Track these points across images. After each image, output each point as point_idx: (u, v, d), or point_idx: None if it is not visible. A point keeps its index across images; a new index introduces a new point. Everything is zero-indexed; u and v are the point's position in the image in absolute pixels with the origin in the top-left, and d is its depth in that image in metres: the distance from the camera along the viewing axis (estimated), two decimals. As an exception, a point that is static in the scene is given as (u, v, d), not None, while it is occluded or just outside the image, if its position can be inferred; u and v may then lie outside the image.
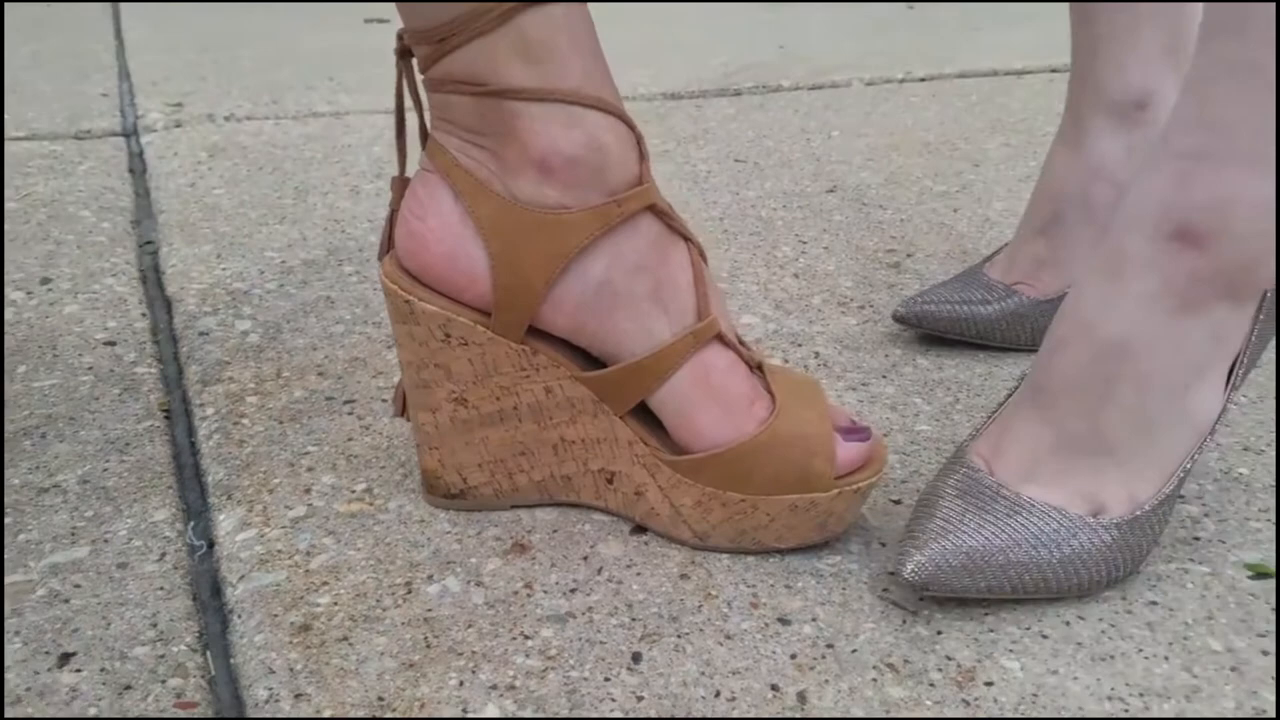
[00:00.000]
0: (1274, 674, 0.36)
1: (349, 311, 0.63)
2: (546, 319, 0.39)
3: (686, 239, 0.40)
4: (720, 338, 0.40)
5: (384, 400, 0.53)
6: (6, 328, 0.61)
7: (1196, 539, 0.44)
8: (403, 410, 0.43)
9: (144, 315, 0.63)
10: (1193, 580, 0.41)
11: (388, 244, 0.41)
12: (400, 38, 0.38)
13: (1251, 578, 0.41)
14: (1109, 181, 0.57)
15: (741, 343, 0.41)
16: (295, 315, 0.62)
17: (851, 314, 0.64)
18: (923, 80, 1.33)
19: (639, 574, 0.41)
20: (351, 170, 0.90)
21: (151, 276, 0.69)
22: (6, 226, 0.76)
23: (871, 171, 0.94)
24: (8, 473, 0.47)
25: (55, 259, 0.71)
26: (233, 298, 0.64)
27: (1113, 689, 0.36)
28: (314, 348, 0.58)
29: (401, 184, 0.41)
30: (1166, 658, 0.37)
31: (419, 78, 0.39)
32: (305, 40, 1.49)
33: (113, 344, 0.59)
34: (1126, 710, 0.35)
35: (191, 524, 0.44)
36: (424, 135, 0.40)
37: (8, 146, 0.96)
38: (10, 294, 0.65)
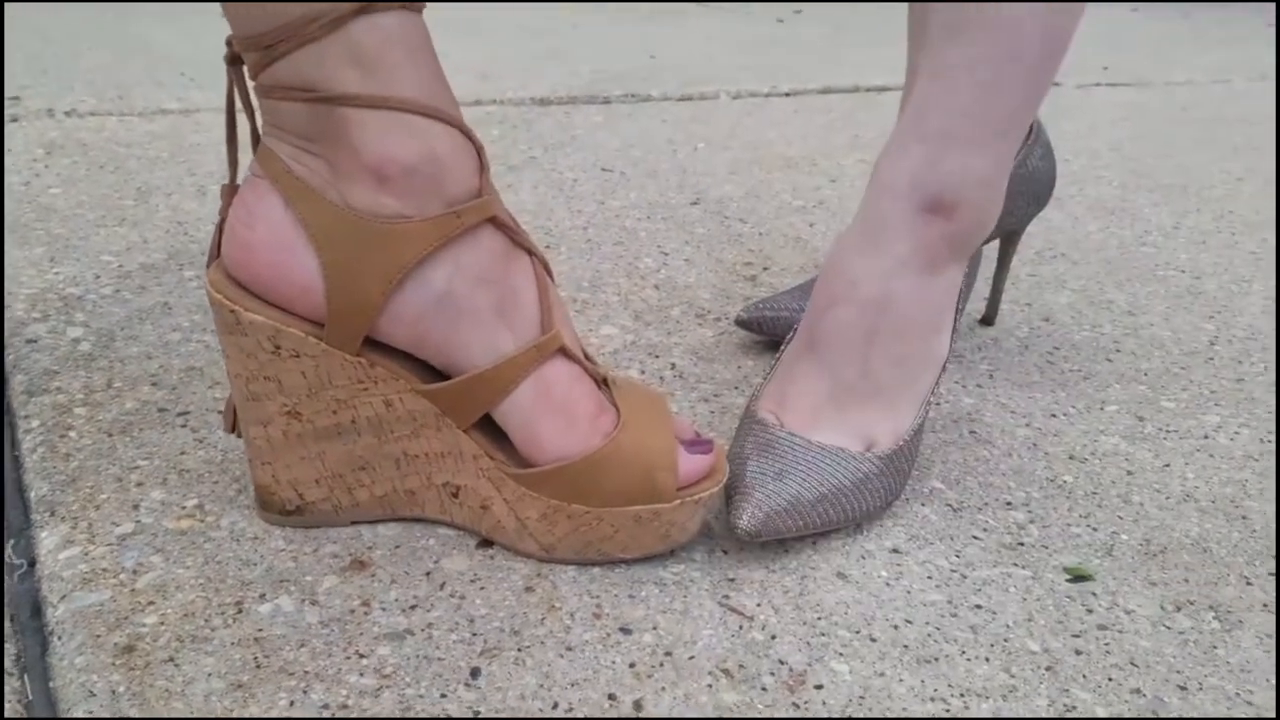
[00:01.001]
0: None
1: (187, 319, 0.60)
2: (385, 331, 0.39)
3: (530, 252, 0.40)
4: (564, 351, 0.40)
5: (220, 412, 0.51)
6: None
7: (1021, 544, 0.47)
8: (234, 426, 0.42)
9: (-38, 321, 0.59)
10: (1015, 584, 0.44)
11: (215, 251, 0.40)
12: (229, 44, 0.37)
13: (1069, 580, 0.44)
14: None
15: (588, 357, 0.42)
16: (130, 322, 0.59)
17: (708, 326, 0.66)
18: (787, 95, 1.37)
19: (483, 588, 0.41)
20: (198, 170, 0.87)
21: (-26, 280, 0.64)
22: None
23: (734, 185, 0.96)
24: None
25: None
26: (65, 303, 0.61)
27: (935, 690, 0.38)
28: (149, 356, 0.56)
29: (231, 191, 0.40)
30: (987, 659, 0.39)
31: (250, 84, 0.38)
32: (157, 35, 1.42)
33: (-76, 353, 0.55)
34: (948, 710, 0.37)
35: (12, 542, 0.42)
36: (255, 141, 0.39)
37: None
38: None
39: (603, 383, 0.42)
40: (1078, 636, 0.41)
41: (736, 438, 0.47)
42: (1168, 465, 0.54)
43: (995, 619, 0.42)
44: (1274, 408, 0.61)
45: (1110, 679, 0.39)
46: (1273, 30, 2.11)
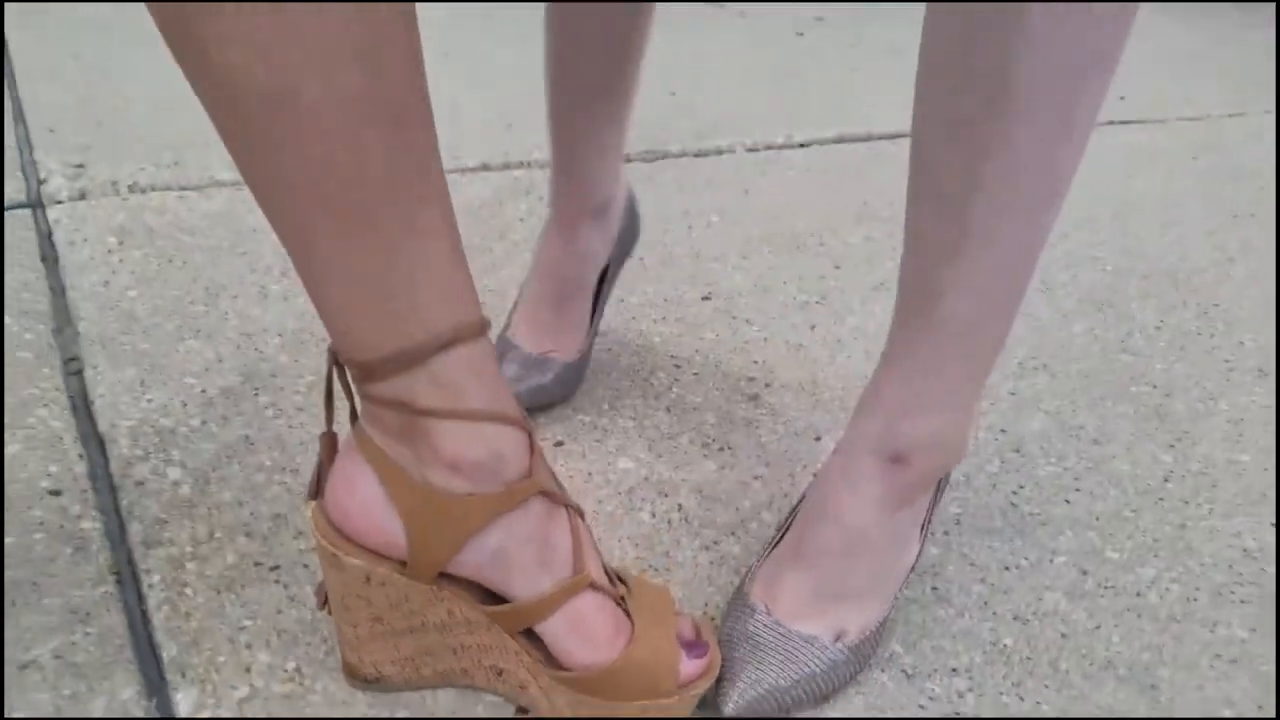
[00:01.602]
0: None
1: (268, 456, 0.70)
2: (451, 570, 0.49)
3: (567, 506, 0.50)
4: (592, 584, 0.50)
5: (305, 565, 0.62)
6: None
7: (958, 714, 0.57)
8: (324, 604, 0.52)
9: (81, 457, 0.69)
10: (948, 741, 0.54)
11: (315, 488, 0.50)
12: (331, 351, 0.46)
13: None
14: (594, 264, 0.78)
15: (612, 581, 0.52)
16: (219, 460, 0.70)
17: (712, 457, 0.76)
18: (801, 146, 1.44)
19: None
20: (257, 266, 0.96)
21: (81, 405, 0.74)
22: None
23: (744, 274, 1.05)
24: (7, 629, 0.54)
25: (-16, 384, 0.75)
26: (161, 439, 0.71)
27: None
28: (240, 503, 0.66)
29: (328, 439, 0.49)
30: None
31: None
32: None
33: (57, 493, 0.66)
34: None
35: (154, 699, 0.53)
36: (354, 417, 0.49)
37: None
38: (-56, 428, 0.70)
39: (620, 600, 0.52)
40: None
41: (730, 615, 0.57)
42: (1098, 627, 0.64)
43: (931, 789, 0.52)
44: (1208, 556, 0.71)
45: None
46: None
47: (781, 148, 1.43)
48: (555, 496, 0.49)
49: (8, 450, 0.69)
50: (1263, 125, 1.66)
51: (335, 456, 0.49)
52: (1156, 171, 1.44)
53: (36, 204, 1.04)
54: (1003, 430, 0.83)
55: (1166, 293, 1.09)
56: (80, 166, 1.12)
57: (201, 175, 1.14)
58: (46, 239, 0.98)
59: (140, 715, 0.51)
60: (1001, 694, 0.58)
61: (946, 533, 0.71)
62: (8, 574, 0.59)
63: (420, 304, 0.43)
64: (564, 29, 0.69)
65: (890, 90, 1.73)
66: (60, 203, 1.05)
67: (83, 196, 1.06)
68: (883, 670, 0.59)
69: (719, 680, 0.54)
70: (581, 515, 0.51)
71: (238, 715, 0.51)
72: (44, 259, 0.94)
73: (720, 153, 1.39)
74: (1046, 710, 0.57)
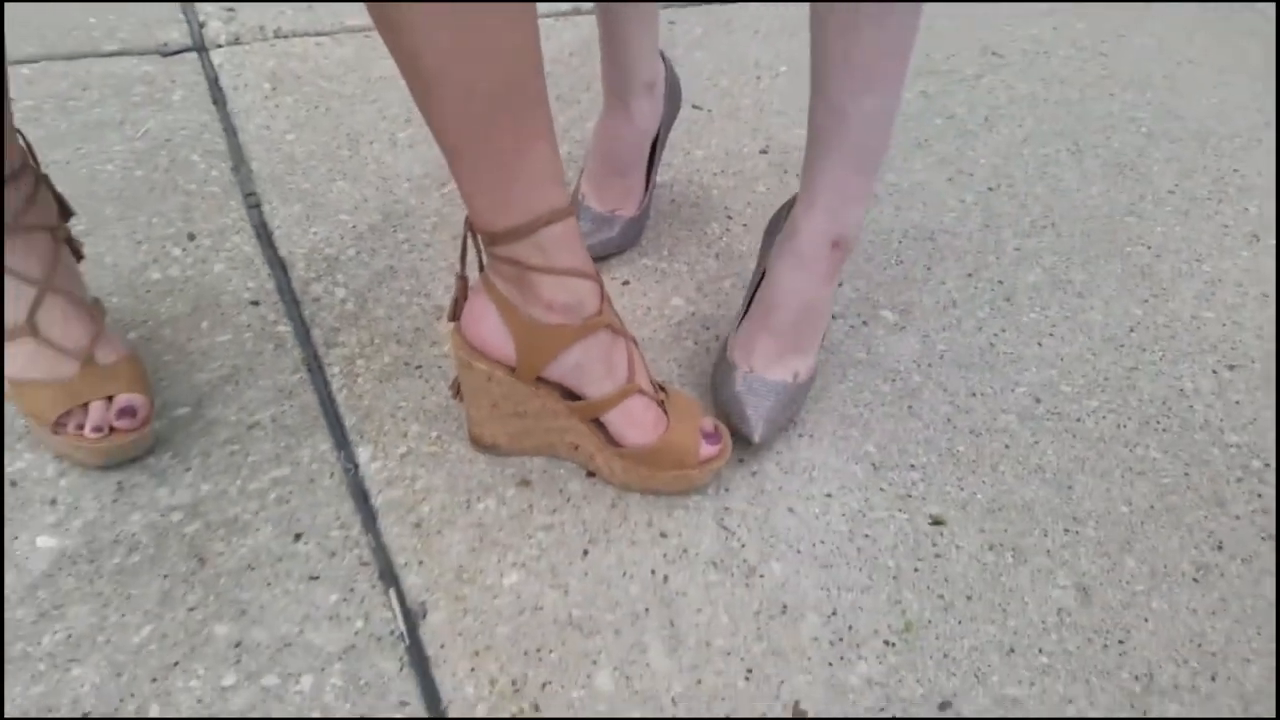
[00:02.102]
0: None
1: (407, 283, 0.92)
2: (545, 376, 0.70)
3: (626, 337, 0.70)
4: (640, 391, 0.71)
5: (440, 366, 0.84)
6: (174, 285, 0.90)
7: (909, 496, 0.78)
8: (456, 394, 0.75)
9: (270, 276, 0.92)
10: (894, 523, 0.75)
11: (453, 314, 0.71)
12: (467, 220, 0.66)
13: (930, 524, 0.76)
14: (646, 136, 0.94)
15: (655, 389, 0.73)
16: (373, 284, 0.92)
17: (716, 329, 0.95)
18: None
19: (590, 504, 0.74)
20: (387, 114, 1.14)
21: (264, 234, 0.97)
22: (139, 173, 1.03)
23: (801, 129, 1.19)
24: (234, 403, 0.79)
25: (191, 212, 0.98)
26: (327, 265, 0.93)
27: (824, 584, 0.71)
28: (389, 318, 0.88)
29: (462, 281, 0.70)
30: (859, 568, 0.72)
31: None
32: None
33: (257, 303, 0.89)
34: (826, 595, 0.70)
35: (342, 452, 0.77)
36: (480, 266, 0.69)
37: (107, 63, 1.19)
38: (170, 250, 0.94)
39: (659, 403, 0.73)
40: (920, 560, 0.73)
41: (719, 374, 0.81)
42: (1037, 442, 0.83)
43: (874, 544, 0.74)
44: (1150, 397, 0.88)
45: (929, 588, 0.71)
46: None
47: (856, -7, 1.51)
48: (617, 329, 0.70)
49: (215, 269, 0.92)
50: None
51: (467, 293, 0.70)
52: (1211, 42, 1.48)
53: (201, 48, 1.24)
54: (1000, 281, 0.99)
55: (1192, 156, 1.19)
56: (231, 10, 1.30)
57: (334, 21, 1.31)
58: (214, 83, 1.18)
59: (335, 465, 0.76)
60: (945, 485, 0.79)
61: (930, 365, 0.89)
62: (229, 362, 0.83)
63: (528, 197, 0.62)
64: None
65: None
66: (220, 46, 1.24)
67: (237, 41, 1.25)
68: (857, 463, 0.79)
69: (735, 425, 0.77)
70: (636, 343, 0.72)
71: (399, 467, 0.76)
72: (215, 102, 1.14)
73: (797, -1, 1.48)
74: (979, 498, 0.78)
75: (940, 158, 1.17)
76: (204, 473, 0.74)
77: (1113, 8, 1.56)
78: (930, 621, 0.69)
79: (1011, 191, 1.12)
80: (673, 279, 0.96)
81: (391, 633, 0.66)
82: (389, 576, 0.69)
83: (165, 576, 0.68)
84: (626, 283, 0.95)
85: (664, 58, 0.96)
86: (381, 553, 0.71)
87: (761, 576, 0.71)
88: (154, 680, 0.62)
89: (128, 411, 0.71)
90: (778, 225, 0.84)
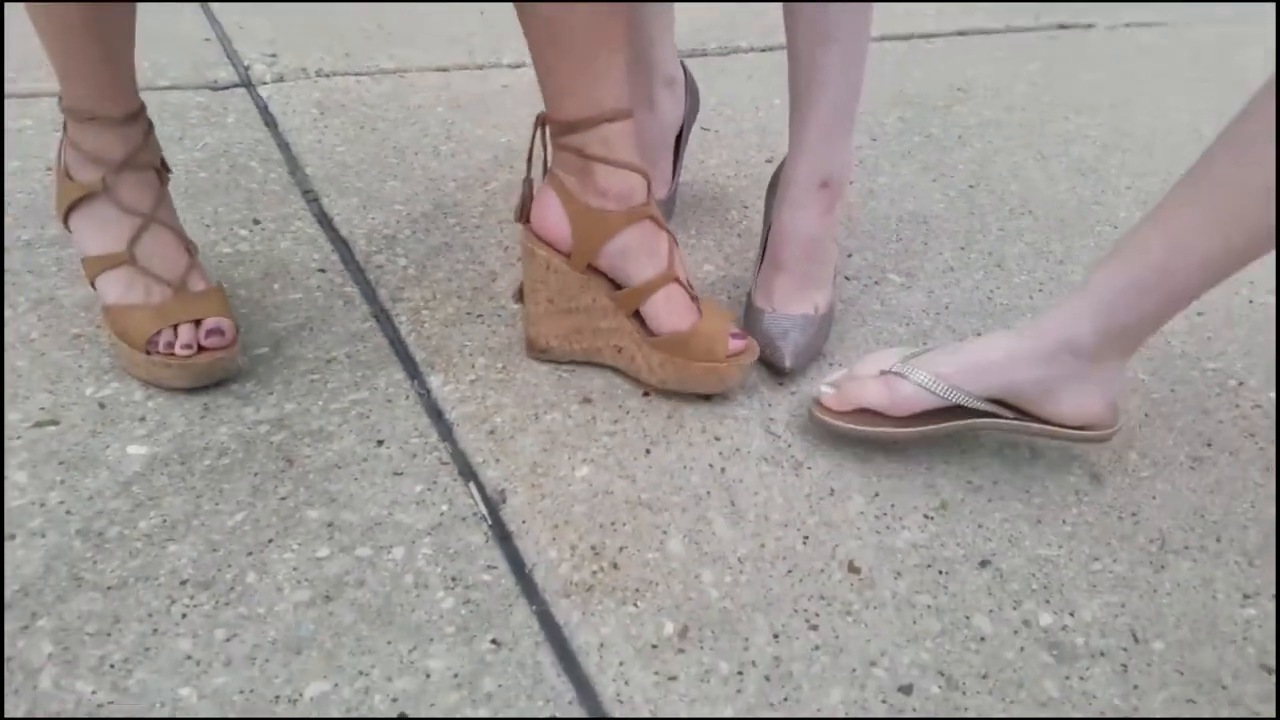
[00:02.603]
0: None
1: (462, 255, 1.01)
2: (597, 262, 0.80)
3: (667, 231, 0.80)
4: (677, 280, 0.80)
5: (500, 315, 0.92)
6: (244, 257, 0.98)
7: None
8: (518, 298, 0.84)
9: (334, 249, 1.00)
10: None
11: (521, 214, 0.81)
12: (540, 115, 0.77)
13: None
14: (671, 128, 1.06)
15: (690, 285, 0.82)
16: (430, 256, 1.00)
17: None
18: (852, 46, 1.68)
19: (648, 415, 0.82)
20: (429, 132, 1.26)
21: (324, 220, 1.06)
22: (202, 174, 1.12)
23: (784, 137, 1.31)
24: (310, 344, 0.86)
25: (254, 203, 1.07)
26: (386, 241, 1.02)
27: (847, 471, 0.78)
28: (449, 279, 0.97)
29: (528, 183, 0.80)
30: (868, 459, 0.80)
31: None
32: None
33: (324, 270, 0.97)
34: (839, 466, 0.77)
35: (415, 381, 0.84)
36: (545, 169, 0.80)
37: (162, 95, 1.29)
38: (237, 231, 1.02)
39: (695, 299, 0.82)
40: (948, 455, 0.81)
41: (750, 318, 0.90)
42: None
43: (905, 446, 0.82)
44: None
45: (959, 475, 0.79)
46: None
47: (835, 46, 1.67)
48: (660, 222, 0.80)
49: (281, 245, 1.00)
50: (1257, 35, 1.85)
51: (533, 194, 0.80)
52: (1150, 74, 1.65)
53: (248, 84, 1.35)
54: (989, 253, 1.10)
55: (1142, 162, 1.33)
56: (274, 55, 1.43)
57: (369, 64, 1.44)
58: (264, 110, 1.28)
59: (409, 389, 0.83)
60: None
61: (938, 313, 0.99)
62: (303, 314, 0.90)
63: (602, 94, 0.74)
64: None
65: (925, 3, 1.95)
66: (266, 84, 1.35)
67: (281, 79, 1.37)
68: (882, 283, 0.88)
69: (772, 355, 0.85)
70: (676, 241, 0.82)
71: (469, 389, 0.83)
72: (266, 124, 1.25)
73: (783, 48, 1.64)
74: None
75: (923, 164, 1.30)
76: (287, 395, 0.81)
77: (1062, 51, 1.74)
78: (963, 500, 0.76)
79: (989, 188, 1.25)
80: (702, 251, 1.06)
81: (475, 514, 0.72)
82: (468, 473, 0.75)
83: (255, 474, 0.74)
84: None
85: (683, 64, 1.08)
86: (460, 455, 0.77)
87: (809, 468, 0.78)
88: (249, 554, 0.67)
89: (216, 331, 0.78)
90: (776, 182, 0.95)
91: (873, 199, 1.20)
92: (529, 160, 0.80)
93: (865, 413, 0.78)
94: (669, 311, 0.81)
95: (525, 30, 0.74)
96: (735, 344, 0.82)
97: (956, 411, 0.77)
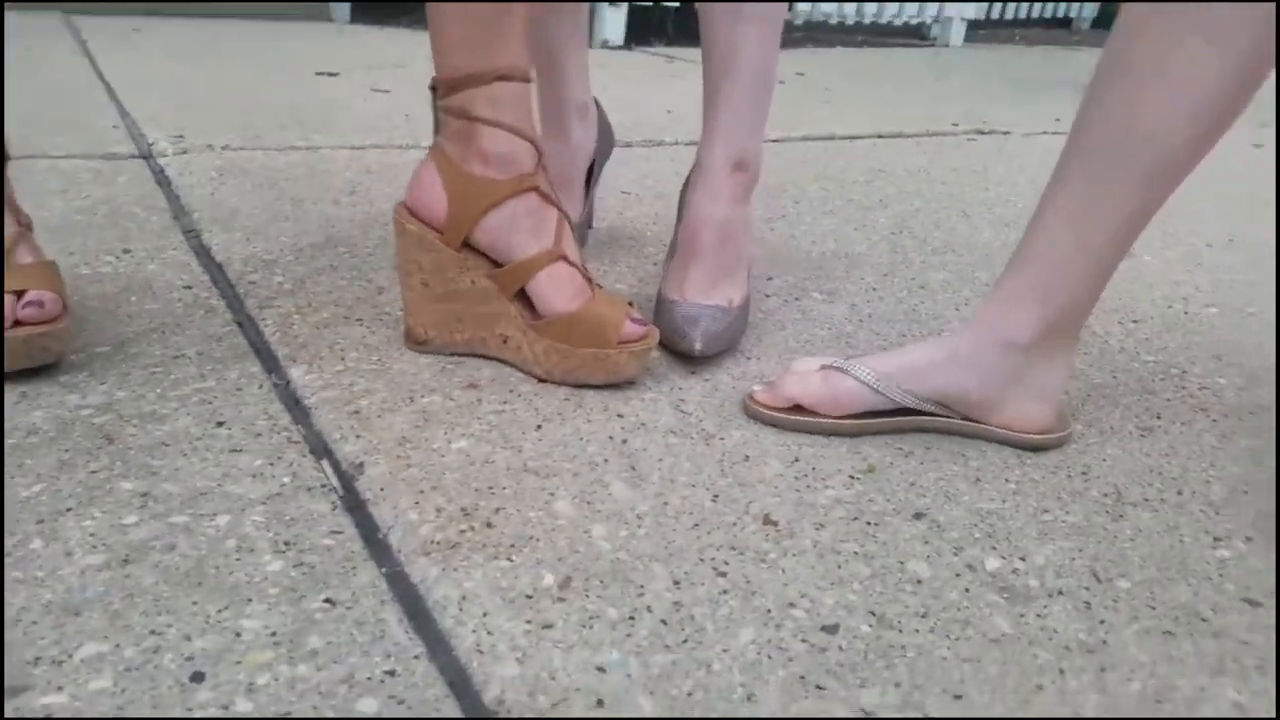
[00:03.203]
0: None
1: (346, 275, 0.94)
2: (475, 238, 0.72)
3: (556, 206, 0.73)
4: (565, 258, 0.73)
5: (382, 319, 0.84)
6: (104, 277, 0.89)
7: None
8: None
9: (204, 271, 0.92)
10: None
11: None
12: (433, 80, 0.71)
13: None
14: (583, 156, 1.02)
15: (583, 269, 0.75)
16: (311, 275, 0.93)
17: (683, 284, 0.98)
18: (775, 141, 1.71)
19: (542, 397, 0.73)
20: (333, 187, 1.21)
21: (202, 250, 0.98)
22: (78, 217, 1.05)
23: (715, 202, 1.29)
24: (159, 344, 0.76)
25: (128, 237, 0.99)
26: (266, 265, 0.95)
27: (762, 437, 0.69)
28: (329, 292, 0.89)
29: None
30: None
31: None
32: (265, 91, 1.79)
33: (190, 287, 0.89)
34: (755, 436, 0.68)
35: (272, 374, 0.74)
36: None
37: (53, 161, 1.24)
38: (102, 257, 0.94)
39: (589, 281, 0.74)
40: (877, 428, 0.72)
41: (660, 311, 0.82)
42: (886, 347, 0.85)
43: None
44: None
45: (887, 443, 0.70)
46: None
47: (754, 140, 1.70)
48: (549, 197, 0.73)
49: (148, 268, 0.92)
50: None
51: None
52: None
53: (147, 156, 1.31)
54: (913, 278, 1.05)
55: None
56: (180, 136, 1.39)
57: (280, 141, 1.41)
58: (160, 173, 1.23)
59: (265, 384, 0.73)
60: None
61: (860, 321, 0.92)
62: (156, 320, 0.81)
63: (495, 49, 0.69)
64: None
65: (854, 108, 2.02)
66: (167, 156, 1.31)
67: (185, 152, 1.33)
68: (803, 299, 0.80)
69: (680, 340, 0.77)
70: (569, 220, 0.75)
71: (335, 378, 0.73)
72: (159, 184, 1.19)
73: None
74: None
75: (845, 219, 1.27)
76: (121, 384, 0.71)
77: (980, 150, 1.78)
78: (892, 464, 0.67)
79: (912, 234, 1.22)
80: (615, 275, 1.00)
81: (323, 486, 0.61)
82: (321, 450, 0.65)
83: (66, 450, 0.62)
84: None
85: (596, 101, 1.06)
86: (315, 435, 0.67)
87: (721, 439, 0.69)
88: (40, 522, 0.55)
89: (35, 303, 0.68)
90: (690, 177, 0.89)
91: (794, 240, 1.16)
92: (436, 130, 0.74)
93: (801, 409, 0.70)
94: (555, 292, 0.73)
95: None
96: (632, 328, 0.73)
97: (897, 411, 0.70)
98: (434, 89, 0.72)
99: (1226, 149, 0.67)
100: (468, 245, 0.73)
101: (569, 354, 0.72)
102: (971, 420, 0.71)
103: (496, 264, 0.74)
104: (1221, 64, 0.58)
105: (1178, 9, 0.58)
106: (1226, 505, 0.65)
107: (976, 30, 4.13)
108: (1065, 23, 4.47)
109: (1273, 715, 0.48)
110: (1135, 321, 0.97)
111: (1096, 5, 4.50)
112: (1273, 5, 0.56)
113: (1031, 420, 0.70)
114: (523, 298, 0.74)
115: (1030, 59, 3.40)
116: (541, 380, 0.75)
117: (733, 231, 0.84)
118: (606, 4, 3.01)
